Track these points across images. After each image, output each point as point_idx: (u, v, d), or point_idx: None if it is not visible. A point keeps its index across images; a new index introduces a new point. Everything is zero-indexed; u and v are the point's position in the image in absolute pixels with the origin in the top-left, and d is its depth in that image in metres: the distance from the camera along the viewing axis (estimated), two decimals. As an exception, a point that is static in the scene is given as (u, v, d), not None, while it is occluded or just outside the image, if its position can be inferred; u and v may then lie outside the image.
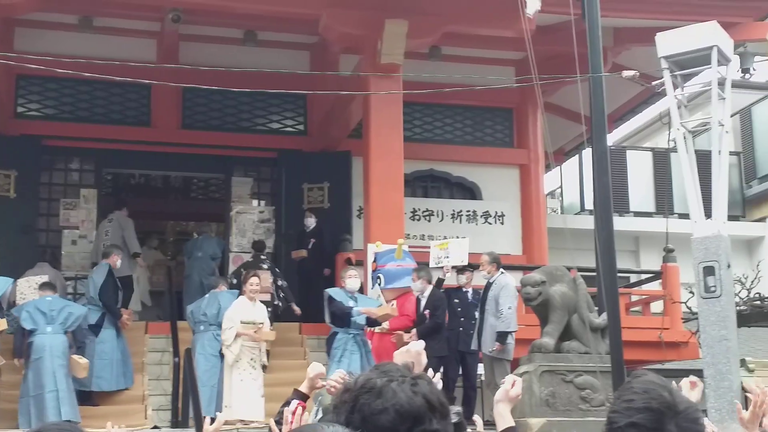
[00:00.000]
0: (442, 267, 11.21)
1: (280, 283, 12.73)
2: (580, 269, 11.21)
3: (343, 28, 12.17)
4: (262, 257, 13.34)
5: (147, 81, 12.15)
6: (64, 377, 10.07)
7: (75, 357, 10.35)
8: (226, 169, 15.23)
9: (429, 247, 13.33)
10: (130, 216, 13.93)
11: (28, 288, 11.28)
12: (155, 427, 10.30)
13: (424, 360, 2.62)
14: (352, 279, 10.79)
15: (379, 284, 11.15)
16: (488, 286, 10.97)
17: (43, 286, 10.85)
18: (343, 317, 10.61)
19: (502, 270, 11.04)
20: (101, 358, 11.07)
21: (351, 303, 10.60)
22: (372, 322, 10.61)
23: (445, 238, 11.74)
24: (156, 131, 14.43)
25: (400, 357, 2.59)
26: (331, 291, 10.97)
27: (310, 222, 13.92)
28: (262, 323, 10.69)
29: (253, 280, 10.99)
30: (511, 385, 3.60)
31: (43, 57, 11.38)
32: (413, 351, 2.58)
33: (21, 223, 13.41)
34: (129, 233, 13.82)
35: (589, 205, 17.98)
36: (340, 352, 10.43)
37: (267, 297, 12.12)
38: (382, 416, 2.08)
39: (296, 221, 14.41)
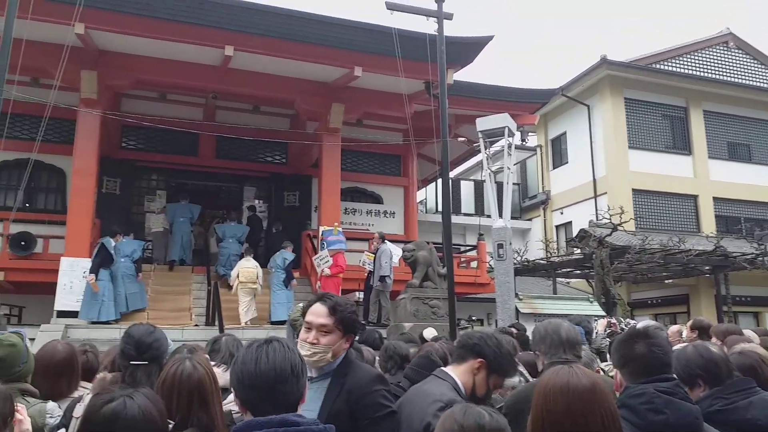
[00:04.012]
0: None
1: None
2: (434, 243, 11.35)
3: (308, 107, 12.01)
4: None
5: (196, 131, 11.80)
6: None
7: None
8: (240, 181, 14.83)
9: (354, 228, 13.35)
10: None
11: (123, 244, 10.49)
12: (196, 325, 10.08)
13: None
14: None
15: (325, 247, 10.97)
16: (377, 251, 10.70)
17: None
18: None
19: (385, 242, 10.82)
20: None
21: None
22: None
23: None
24: (201, 159, 13.96)
25: None
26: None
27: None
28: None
29: None
30: None
31: (136, 114, 11.07)
32: None
33: (121, 208, 12.89)
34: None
35: (440, 208, 18.11)
36: None
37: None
38: None
39: (279, 212, 14.19)
